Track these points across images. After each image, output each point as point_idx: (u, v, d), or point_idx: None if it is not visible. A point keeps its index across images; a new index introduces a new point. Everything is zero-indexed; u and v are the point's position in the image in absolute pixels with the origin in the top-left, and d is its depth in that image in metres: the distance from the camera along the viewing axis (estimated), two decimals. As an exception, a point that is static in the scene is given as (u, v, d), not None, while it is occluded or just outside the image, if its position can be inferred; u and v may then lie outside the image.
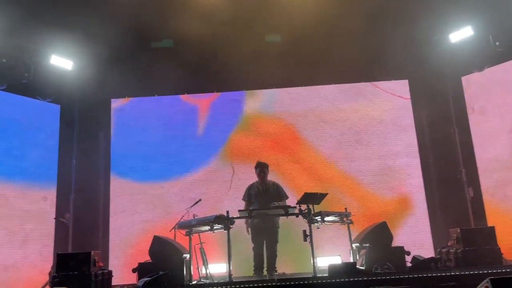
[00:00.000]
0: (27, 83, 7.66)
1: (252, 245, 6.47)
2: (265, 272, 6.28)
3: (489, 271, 4.69)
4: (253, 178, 6.97)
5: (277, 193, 6.54)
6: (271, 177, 7.02)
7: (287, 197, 6.62)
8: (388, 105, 8.66)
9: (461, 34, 7.88)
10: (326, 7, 7.64)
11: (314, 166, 8.43)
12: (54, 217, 7.92)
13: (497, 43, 7.58)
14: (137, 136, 8.66)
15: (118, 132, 8.71)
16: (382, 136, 8.53)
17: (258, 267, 6.27)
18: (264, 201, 6.34)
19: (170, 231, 6.37)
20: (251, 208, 6.29)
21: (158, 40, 8.39)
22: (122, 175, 8.51)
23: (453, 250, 5.44)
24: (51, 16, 7.31)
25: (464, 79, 8.30)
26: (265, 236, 6.34)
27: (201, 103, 8.88)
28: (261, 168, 6.62)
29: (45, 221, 7.83)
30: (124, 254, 8.04)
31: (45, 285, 6.52)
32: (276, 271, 6.22)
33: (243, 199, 6.73)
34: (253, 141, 8.63)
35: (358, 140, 8.54)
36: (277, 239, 6.38)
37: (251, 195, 6.57)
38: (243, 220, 6.31)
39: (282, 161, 8.48)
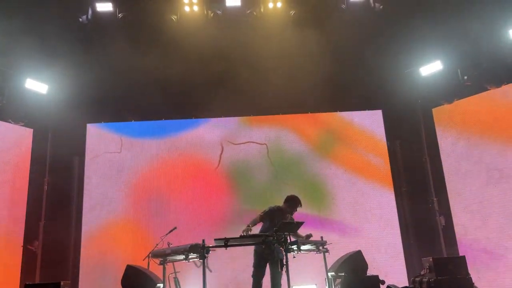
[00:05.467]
0: (0, 106, 7.52)
1: (252, 270, 5.86)
2: None
3: (461, 301, 4.76)
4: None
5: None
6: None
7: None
8: (361, 134, 8.86)
9: (431, 68, 8.25)
10: (304, 38, 7.90)
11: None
12: (22, 244, 7.64)
13: (465, 77, 7.97)
14: (112, 163, 8.53)
15: (93, 158, 8.55)
16: (356, 165, 8.67)
17: None
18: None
19: (143, 260, 6.24)
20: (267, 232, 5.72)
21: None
22: (96, 201, 8.32)
23: (426, 279, 5.51)
24: (27, 40, 7.25)
25: (434, 110, 8.62)
26: (270, 264, 5.80)
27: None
28: (296, 205, 6.05)
29: (12, 249, 7.54)
30: (95, 284, 7.78)
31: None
32: None
33: (262, 219, 5.95)
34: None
35: (334, 169, 8.67)
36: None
37: (274, 222, 5.82)
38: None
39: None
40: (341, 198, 8.50)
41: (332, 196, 8.50)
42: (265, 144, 8.72)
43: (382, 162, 8.70)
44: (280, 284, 5.76)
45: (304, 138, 8.82)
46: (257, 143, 8.74)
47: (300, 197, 6.10)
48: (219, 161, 8.59)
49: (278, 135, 8.79)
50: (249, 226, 5.66)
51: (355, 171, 8.63)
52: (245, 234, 5.50)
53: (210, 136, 8.74)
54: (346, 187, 8.55)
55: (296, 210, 6.09)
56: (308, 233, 5.95)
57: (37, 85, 7.91)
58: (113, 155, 8.58)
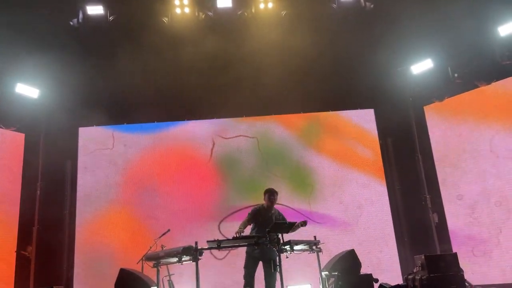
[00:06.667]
0: (-10, 112, 7.51)
1: (244, 271, 5.86)
2: None
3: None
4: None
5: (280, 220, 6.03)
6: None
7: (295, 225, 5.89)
8: (353, 132, 8.89)
9: (422, 66, 8.30)
10: (296, 38, 7.91)
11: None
12: (15, 250, 7.61)
13: (456, 75, 8.01)
14: (105, 165, 8.52)
15: (85, 162, 8.53)
16: (350, 163, 8.70)
17: None
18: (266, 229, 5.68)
19: (137, 263, 6.24)
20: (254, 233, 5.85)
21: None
22: (89, 204, 8.30)
23: (419, 277, 5.53)
24: (17, 45, 7.23)
25: (426, 108, 8.66)
26: (263, 265, 5.85)
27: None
28: (271, 195, 6.11)
29: (5, 254, 7.51)
30: (89, 288, 7.78)
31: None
32: None
33: (249, 221, 6.00)
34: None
35: (327, 168, 8.68)
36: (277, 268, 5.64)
37: (258, 220, 6.00)
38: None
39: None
40: (335, 195, 8.54)
41: (324, 192, 8.55)
42: (256, 138, 8.76)
43: (374, 159, 8.73)
44: (275, 285, 5.76)
45: (295, 133, 8.88)
46: (247, 136, 8.79)
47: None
48: (211, 155, 8.63)
49: (269, 129, 8.85)
50: (240, 228, 5.70)
51: (348, 169, 8.66)
52: (237, 236, 5.52)
53: (201, 131, 8.79)
54: (339, 184, 8.59)
55: (274, 199, 6.08)
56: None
57: (28, 90, 7.88)
58: (105, 156, 8.56)
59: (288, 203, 8.28)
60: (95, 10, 7.67)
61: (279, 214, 6.22)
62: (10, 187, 7.85)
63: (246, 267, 5.85)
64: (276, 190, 6.21)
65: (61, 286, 5.86)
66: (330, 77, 8.48)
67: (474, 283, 7.08)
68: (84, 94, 8.30)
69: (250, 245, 5.60)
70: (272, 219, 5.99)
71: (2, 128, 7.85)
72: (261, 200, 6.22)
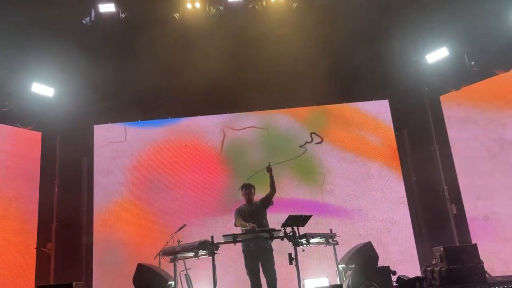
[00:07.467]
0: (7, 111, 7.61)
1: (246, 271, 5.93)
2: None
3: (474, 289, 4.71)
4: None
5: (262, 206, 6.10)
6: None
7: (270, 194, 6.12)
8: (368, 124, 8.78)
9: (437, 55, 8.13)
10: (308, 30, 7.84)
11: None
12: (35, 247, 7.74)
13: (472, 63, 7.83)
14: (120, 161, 8.60)
15: (101, 158, 8.62)
16: (365, 155, 8.61)
17: None
18: (254, 222, 5.85)
19: (154, 258, 6.30)
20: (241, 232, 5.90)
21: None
22: (106, 201, 8.40)
23: (438, 269, 5.45)
24: (31, 44, 7.31)
25: (442, 97, 8.50)
26: (260, 259, 5.89)
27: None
28: (247, 189, 6.23)
29: (26, 251, 7.65)
30: (108, 283, 7.86)
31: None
32: None
33: (239, 222, 6.03)
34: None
35: (341, 160, 8.61)
36: (273, 261, 5.91)
37: (243, 217, 6.04)
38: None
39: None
40: (349, 187, 8.45)
41: (338, 184, 8.47)
42: (266, 128, 8.74)
43: (390, 151, 8.63)
44: (274, 279, 5.78)
45: (307, 124, 8.81)
46: (258, 128, 8.77)
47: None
48: (222, 147, 8.65)
49: (280, 121, 8.81)
50: (249, 223, 5.76)
51: (363, 160, 8.57)
52: (253, 228, 5.54)
53: (212, 124, 8.80)
54: (354, 176, 8.50)
55: (249, 192, 6.18)
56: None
57: (43, 89, 7.98)
58: (119, 151, 8.63)
59: (300, 195, 8.29)
60: (107, 8, 7.72)
61: (259, 201, 6.16)
62: (29, 185, 7.97)
63: (247, 265, 5.89)
64: (253, 184, 6.29)
65: (81, 281, 5.93)
66: (344, 68, 8.38)
67: (494, 274, 6.96)
68: (98, 92, 8.38)
69: (264, 239, 5.60)
70: (256, 211, 6.05)
71: (19, 127, 7.98)
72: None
